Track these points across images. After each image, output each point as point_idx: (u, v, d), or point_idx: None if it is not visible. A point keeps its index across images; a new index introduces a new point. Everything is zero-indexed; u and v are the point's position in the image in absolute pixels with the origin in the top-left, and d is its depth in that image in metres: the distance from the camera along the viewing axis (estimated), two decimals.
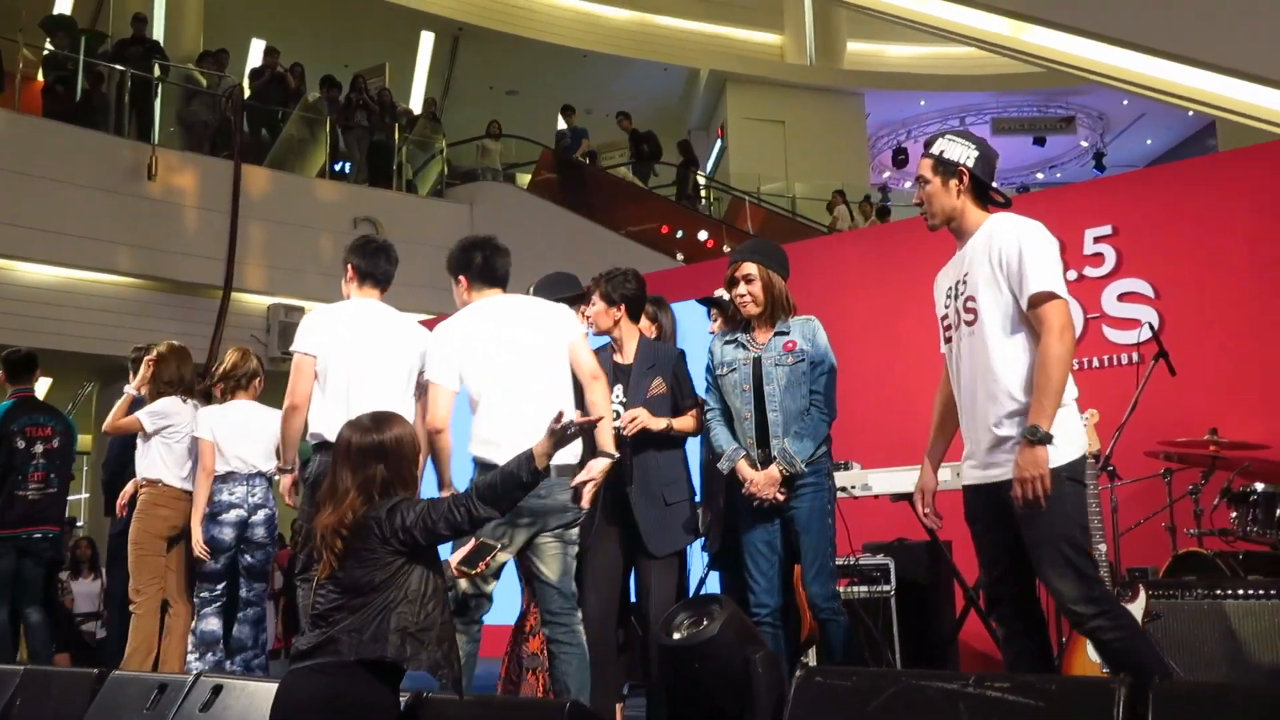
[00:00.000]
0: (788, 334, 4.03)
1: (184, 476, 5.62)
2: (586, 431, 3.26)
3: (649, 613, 3.99)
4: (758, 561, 3.98)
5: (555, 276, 4.53)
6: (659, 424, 4.12)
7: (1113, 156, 21.24)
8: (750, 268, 4.05)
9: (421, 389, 4.28)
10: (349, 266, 4.62)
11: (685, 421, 4.22)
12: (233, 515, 5.50)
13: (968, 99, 20.75)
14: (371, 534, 3.10)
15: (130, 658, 5.48)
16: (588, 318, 4.28)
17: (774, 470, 3.91)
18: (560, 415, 3.10)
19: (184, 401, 5.69)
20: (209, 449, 5.50)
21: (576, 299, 4.36)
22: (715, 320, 4.50)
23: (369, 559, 3.09)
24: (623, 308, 4.24)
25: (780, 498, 3.92)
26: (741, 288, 4.05)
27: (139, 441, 5.70)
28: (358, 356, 4.38)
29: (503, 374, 3.83)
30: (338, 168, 13.70)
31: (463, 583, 3.70)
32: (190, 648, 5.55)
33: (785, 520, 3.96)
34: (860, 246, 7.41)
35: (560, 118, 15.82)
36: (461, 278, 4.09)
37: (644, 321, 4.48)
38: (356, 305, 4.55)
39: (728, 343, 4.15)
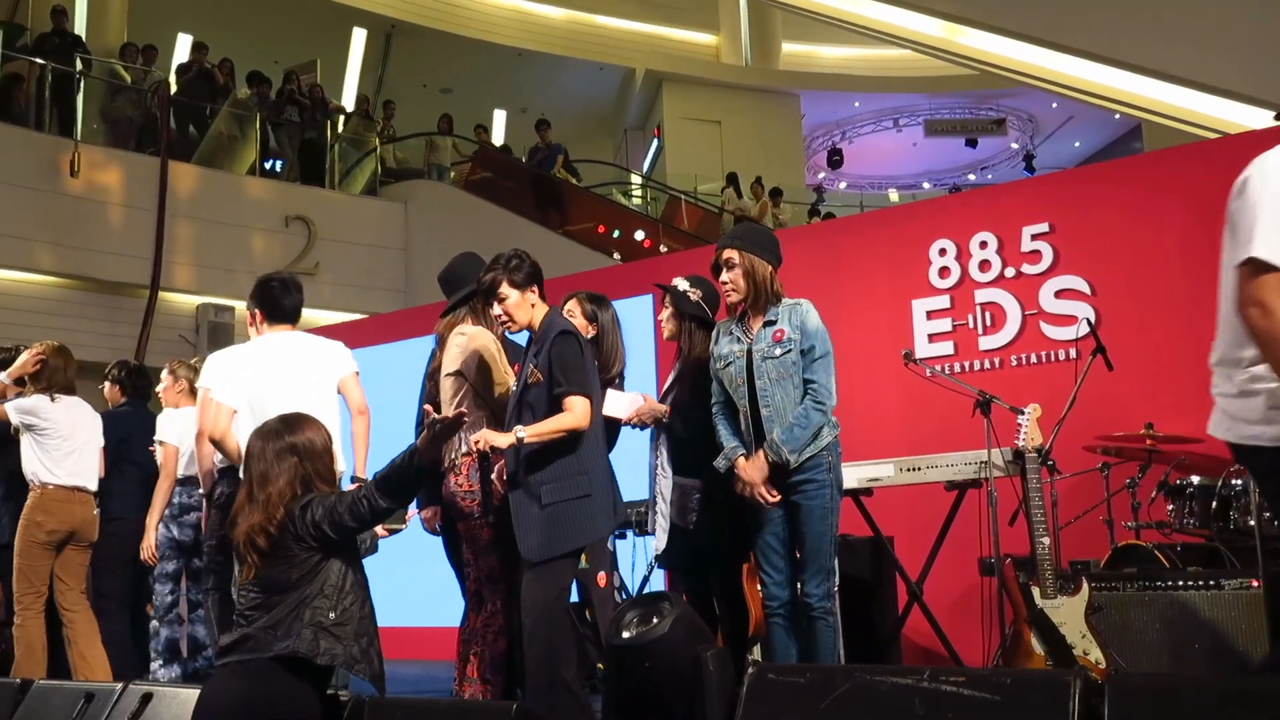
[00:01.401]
0: (776, 323, 3.95)
1: (71, 473, 5.47)
2: (452, 428, 3.30)
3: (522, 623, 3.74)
4: (768, 555, 3.91)
5: (458, 263, 4.43)
6: (504, 440, 3.66)
7: (1042, 159, 21.62)
8: (730, 253, 3.99)
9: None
10: (251, 313, 4.76)
11: (546, 425, 3.67)
12: (193, 517, 5.50)
13: (901, 100, 20.98)
14: (287, 532, 3.14)
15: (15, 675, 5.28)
16: (501, 318, 3.93)
17: (760, 459, 3.83)
18: (428, 413, 3.37)
19: (52, 400, 5.53)
20: (172, 454, 5.53)
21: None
22: (667, 309, 4.40)
23: (285, 556, 3.13)
24: (534, 289, 3.92)
25: (770, 498, 3.83)
26: (724, 274, 4.00)
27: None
28: (260, 390, 4.51)
29: (264, 402, 4.31)
30: (268, 165, 13.46)
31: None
32: (153, 655, 5.50)
33: (788, 514, 3.88)
34: (802, 245, 7.41)
35: (536, 132, 15.43)
36: (256, 311, 4.63)
37: (580, 320, 4.40)
38: (257, 344, 4.69)
39: (725, 334, 4.09)
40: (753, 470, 3.85)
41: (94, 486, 5.56)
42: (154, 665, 5.46)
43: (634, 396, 4.24)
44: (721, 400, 4.05)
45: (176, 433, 5.58)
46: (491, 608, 4.02)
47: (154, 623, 5.56)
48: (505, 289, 3.87)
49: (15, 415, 5.46)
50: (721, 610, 4.23)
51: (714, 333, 4.16)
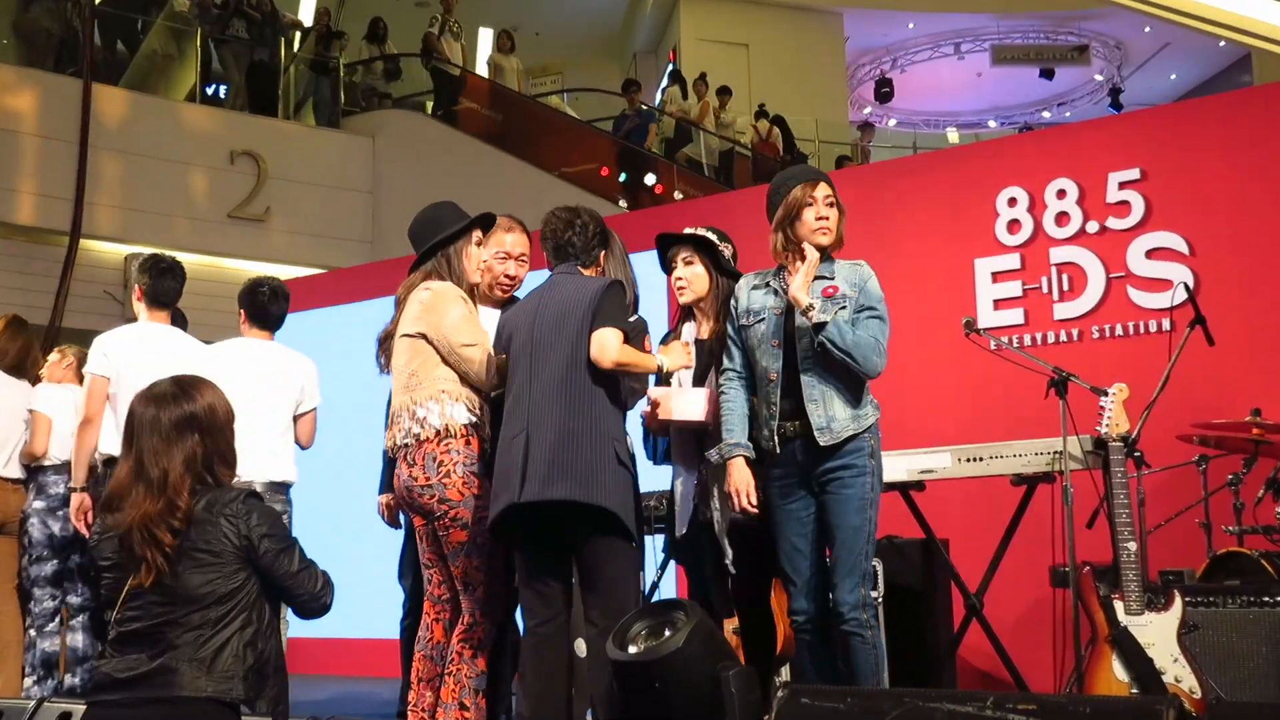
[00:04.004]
0: (830, 278, 3.94)
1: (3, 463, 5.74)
2: None
3: None
4: (793, 560, 3.92)
5: (432, 214, 4.38)
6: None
7: (1131, 93, 21.48)
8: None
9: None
10: (136, 286, 5.40)
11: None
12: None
13: (964, 21, 20.82)
14: (220, 533, 3.06)
15: None
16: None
17: (743, 471, 3.92)
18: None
19: None
20: (45, 424, 5.71)
21: (458, 236, 4.22)
22: (689, 265, 4.34)
23: (211, 564, 3.05)
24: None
25: (749, 507, 3.88)
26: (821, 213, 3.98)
27: None
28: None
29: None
30: (211, 90, 13.42)
31: None
32: (28, 670, 5.54)
33: (819, 509, 3.89)
34: (840, 193, 7.38)
35: (623, 94, 15.17)
36: (241, 310, 5.28)
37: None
38: (144, 329, 5.32)
39: (756, 286, 4.08)
40: (736, 481, 3.92)
41: (14, 473, 5.74)
42: (27, 682, 5.53)
43: (704, 393, 4.18)
44: (736, 371, 4.06)
45: (51, 407, 5.74)
46: (470, 619, 4.02)
47: (30, 632, 5.61)
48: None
49: None
50: (744, 622, 4.24)
51: (737, 286, 4.16)
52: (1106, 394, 4.57)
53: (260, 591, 3.13)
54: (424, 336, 4.09)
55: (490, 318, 4.40)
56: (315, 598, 3.20)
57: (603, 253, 4.23)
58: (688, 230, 4.35)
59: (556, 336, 3.96)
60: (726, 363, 4.08)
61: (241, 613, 3.06)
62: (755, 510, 3.90)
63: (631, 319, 4.09)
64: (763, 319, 4.00)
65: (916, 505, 5.08)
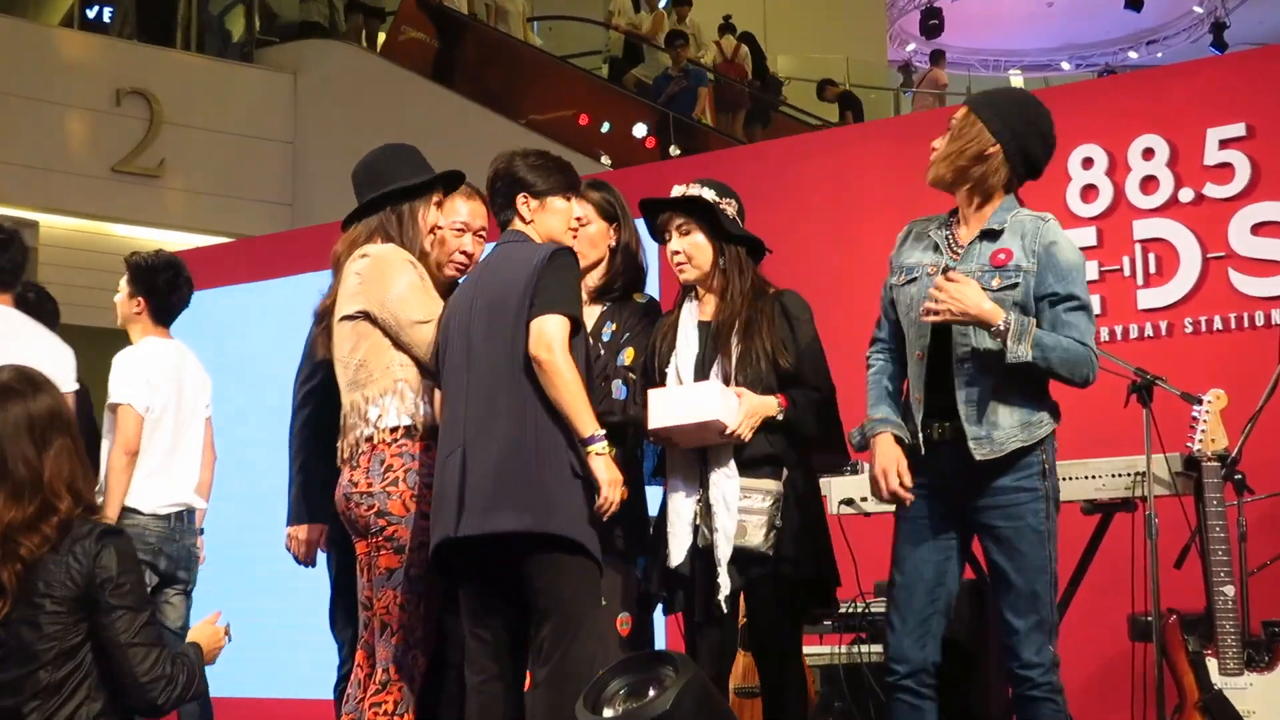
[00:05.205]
0: (1000, 235, 3.83)
1: None
2: None
3: None
4: (907, 592, 3.86)
5: (383, 156, 4.39)
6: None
7: (1238, 31, 21.53)
8: (960, 114, 3.93)
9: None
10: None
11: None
12: None
13: None
14: (66, 573, 3.05)
15: None
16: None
17: (891, 448, 3.87)
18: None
19: None
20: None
21: (413, 191, 4.24)
22: (688, 235, 4.34)
23: (51, 611, 3.04)
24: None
25: (904, 494, 3.82)
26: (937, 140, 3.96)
27: None
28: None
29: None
30: (92, 13, 13.39)
31: None
32: None
33: (975, 533, 3.85)
34: (878, 147, 7.40)
35: (667, 49, 15.12)
36: (140, 299, 5.59)
37: (600, 224, 4.57)
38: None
39: (919, 237, 4.02)
40: (897, 450, 3.86)
41: None
42: None
43: (721, 390, 4.09)
44: (884, 342, 4.04)
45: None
46: (384, 675, 4.01)
47: None
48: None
49: None
50: (766, 672, 4.26)
51: (904, 233, 4.11)
52: (1201, 402, 4.58)
53: (92, 653, 3.15)
54: (367, 315, 4.08)
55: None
56: (141, 688, 3.18)
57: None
58: (676, 190, 4.33)
59: (493, 326, 3.95)
60: (877, 332, 4.08)
61: (86, 677, 3.08)
62: (909, 496, 3.84)
63: (629, 311, 4.16)
64: (914, 278, 3.91)
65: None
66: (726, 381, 4.14)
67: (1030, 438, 3.76)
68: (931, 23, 21.38)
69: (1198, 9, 22.26)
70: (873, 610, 5.21)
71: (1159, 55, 22.91)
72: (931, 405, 3.83)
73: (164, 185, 12.68)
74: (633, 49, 15.47)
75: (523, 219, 4.17)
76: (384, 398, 4.01)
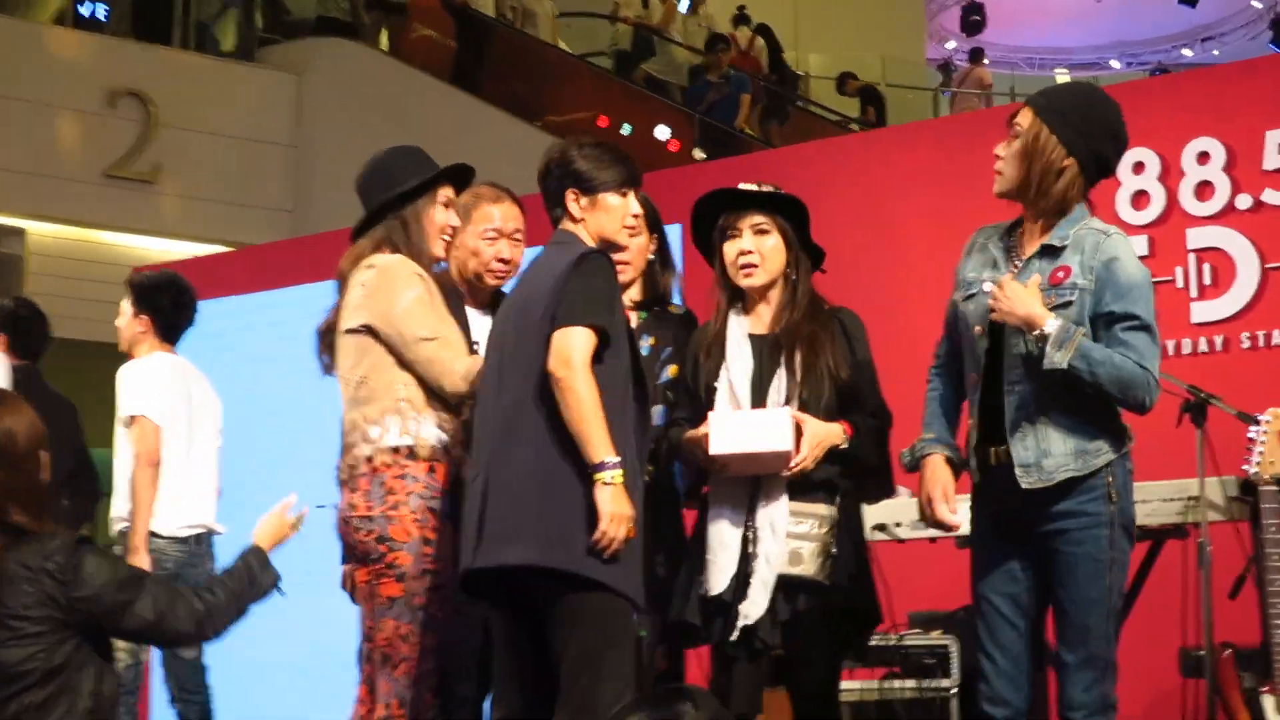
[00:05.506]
0: (1061, 252, 3.81)
1: None
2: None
3: None
4: (995, 628, 3.81)
5: (388, 162, 4.37)
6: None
7: None
8: (1023, 116, 3.89)
9: None
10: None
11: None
12: None
13: None
14: (42, 594, 3.09)
15: None
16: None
17: (941, 470, 3.87)
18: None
19: None
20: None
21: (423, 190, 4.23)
22: (758, 235, 4.28)
23: (29, 634, 3.09)
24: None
25: (950, 520, 3.82)
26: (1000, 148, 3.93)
27: None
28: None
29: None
30: (86, 11, 13.43)
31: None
32: None
33: (1036, 565, 3.80)
34: (915, 149, 7.38)
35: (706, 53, 15.00)
36: (145, 317, 5.79)
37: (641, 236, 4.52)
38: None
39: (982, 249, 4.00)
40: (945, 473, 3.86)
41: None
42: None
43: (782, 416, 4.03)
44: (945, 360, 4.05)
45: None
46: (385, 712, 3.99)
47: None
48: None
49: None
50: (804, 710, 4.20)
51: (969, 244, 4.08)
52: (1258, 422, 4.56)
53: (95, 666, 3.19)
54: (370, 330, 4.08)
55: (482, 324, 4.41)
56: (194, 636, 3.41)
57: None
58: (765, 187, 4.25)
59: (520, 341, 3.90)
60: (937, 350, 4.09)
61: (67, 695, 3.10)
62: (955, 523, 3.85)
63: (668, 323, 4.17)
64: (973, 294, 3.89)
65: None
66: (789, 399, 4.08)
67: (1084, 467, 3.71)
68: (973, 19, 21.27)
69: (1256, 4, 22.20)
70: (905, 643, 5.19)
71: (1215, 53, 22.86)
72: (986, 429, 3.84)
73: (159, 191, 12.72)
74: (643, 42, 15.44)
75: (572, 217, 4.04)
76: (386, 417, 3.99)
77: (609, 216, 4.04)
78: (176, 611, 3.30)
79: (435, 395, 4.05)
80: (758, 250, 4.18)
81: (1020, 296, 3.68)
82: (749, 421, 4.02)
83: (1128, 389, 3.66)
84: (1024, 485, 3.71)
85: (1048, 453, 3.72)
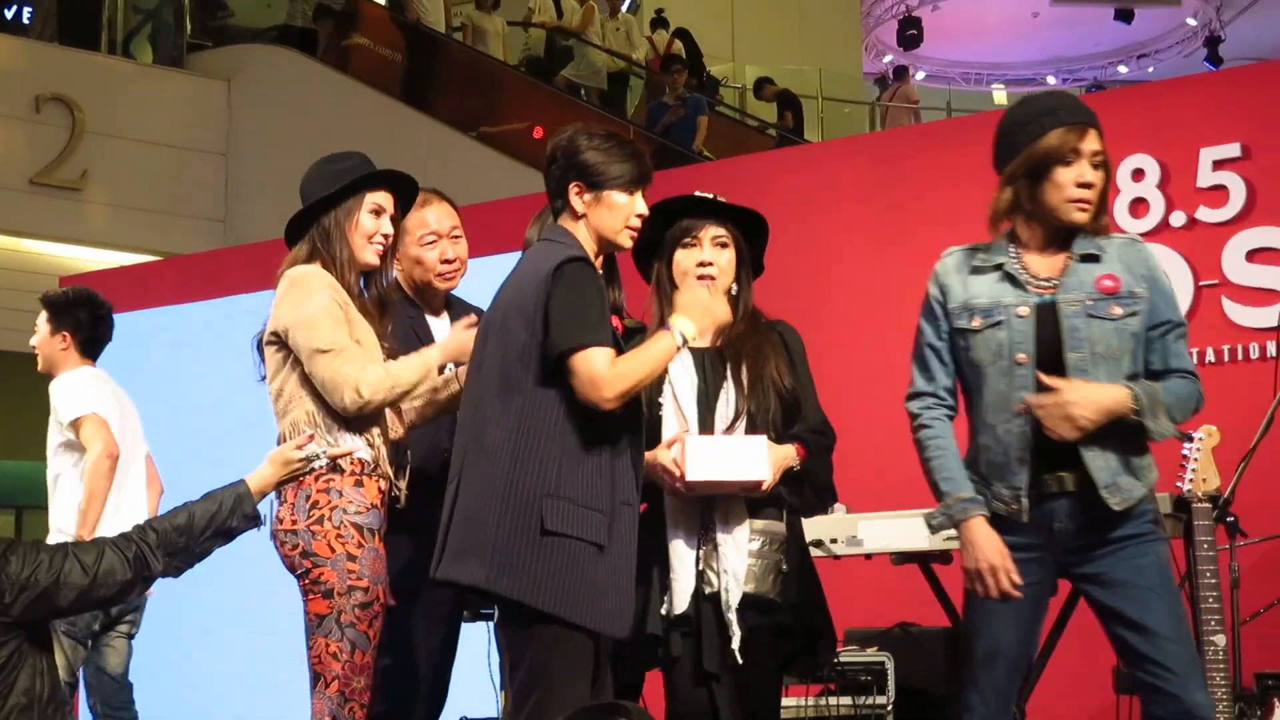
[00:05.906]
0: (1098, 259, 3.76)
1: None
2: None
3: None
4: (990, 670, 3.74)
5: (325, 168, 4.26)
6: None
7: (1233, 45, 21.69)
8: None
9: None
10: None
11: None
12: None
13: None
14: None
15: None
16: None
17: (993, 538, 3.64)
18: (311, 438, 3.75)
19: None
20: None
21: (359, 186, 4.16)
22: (714, 246, 4.25)
23: None
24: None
25: (1013, 588, 3.61)
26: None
27: None
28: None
29: None
30: (10, 14, 13.34)
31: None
32: None
33: (1084, 588, 3.76)
34: (851, 164, 7.41)
35: (664, 71, 15.00)
36: (65, 334, 5.84)
37: None
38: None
39: (976, 269, 3.80)
40: (994, 540, 3.65)
41: None
42: None
43: (759, 445, 3.99)
44: (938, 396, 3.85)
45: None
46: None
47: None
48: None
49: None
50: None
51: (940, 268, 3.90)
52: (1190, 439, 4.58)
53: (29, 668, 3.19)
54: (281, 340, 4.06)
55: (440, 328, 4.43)
56: (138, 580, 3.40)
57: None
58: (723, 201, 4.22)
59: (490, 352, 3.82)
60: (923, 383, 3.86)
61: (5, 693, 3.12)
62: (1020, 595, 3.65)
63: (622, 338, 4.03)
64: (998, 320, 3.73)
65: (940, 582, 5.08)
66: (737, 413, 4.06)
67: (1147, 483, 3.71)
68: (910, 33, 21.37)
69: (1191, 21, 22.41)
70: (841, 660, 5.19)
71: (1150, 70, 23.07)
72: (1048, 454, 3.67)
73: (86, 199, 12.62)
74: (560, 49, 15.45)
75: (573, 211, 3.90)
76: (307, 428, 3.97)
77: (612, 215, 3.89)
78: (107, 563, 3.30)
79: (331, 411, 4.00)
80: (718, 262, 4.16)
81: (1089, 396, 3.56)
82: (726, 449, 3.97)
83: (1189, 411, 3.72)
84: (1114, 506, 3.61)
85: (1121, 471, 3.65)
